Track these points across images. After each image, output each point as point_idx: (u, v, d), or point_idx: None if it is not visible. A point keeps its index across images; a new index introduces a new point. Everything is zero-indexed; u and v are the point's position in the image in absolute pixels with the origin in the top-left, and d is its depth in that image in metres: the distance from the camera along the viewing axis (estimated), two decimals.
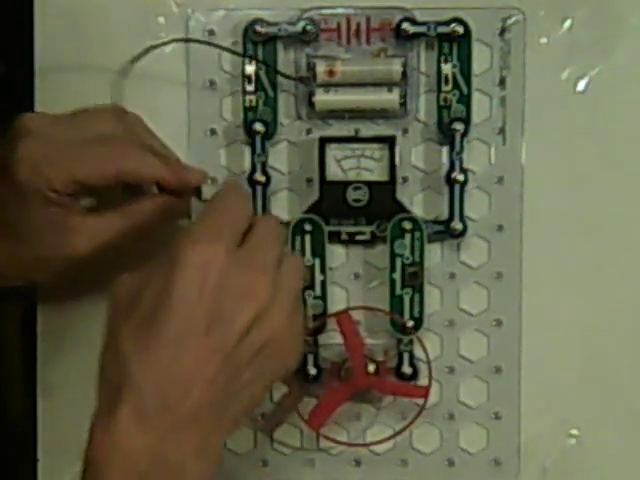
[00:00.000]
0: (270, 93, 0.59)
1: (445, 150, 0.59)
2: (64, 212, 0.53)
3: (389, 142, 0.59)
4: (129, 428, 0.47)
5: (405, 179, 0.59)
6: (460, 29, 0.58)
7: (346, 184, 0.59)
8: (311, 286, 0.58)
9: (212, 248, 0.48)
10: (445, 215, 0.59)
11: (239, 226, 0.51)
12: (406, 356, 0.60)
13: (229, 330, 0.48)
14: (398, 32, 0.58)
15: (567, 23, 0.59)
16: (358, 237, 0.59)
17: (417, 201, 0.60)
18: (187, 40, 0.58)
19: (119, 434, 0.47)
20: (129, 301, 0.49)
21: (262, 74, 0.59)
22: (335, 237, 0.59)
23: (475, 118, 0.59)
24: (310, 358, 0.60)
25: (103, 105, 0.57)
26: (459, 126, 0.58)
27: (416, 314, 0.59)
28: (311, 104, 0.58)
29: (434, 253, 0.60)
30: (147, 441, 0.47)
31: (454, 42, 0.58)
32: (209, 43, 0.58)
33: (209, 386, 0.48)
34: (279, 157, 0.60)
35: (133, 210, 0.55)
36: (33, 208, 0.53)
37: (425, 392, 0.59)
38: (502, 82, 0.59)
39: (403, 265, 0.58)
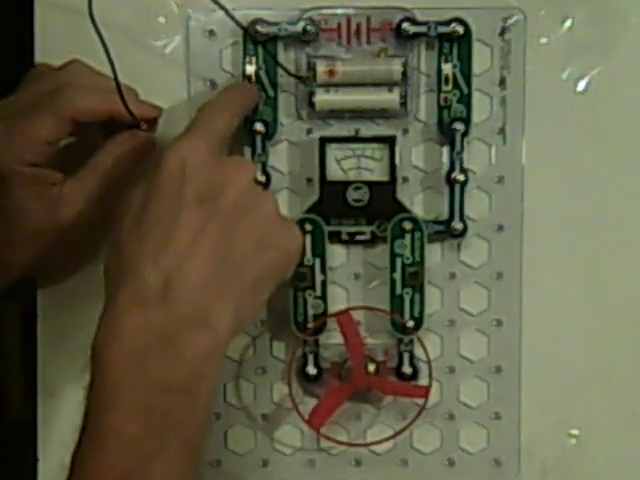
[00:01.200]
0: (270, 93, 0.59)
1: (445, 150, 0.59)
2: (43, 186, 0.54)
3: (389, 142, 0.59)
4: (127, 309, 0.48)
5: (405, 179, 0.59)
6: (460, 29, 0.58)
7: (346, 184, 0.59)
8: (311, 286, 0.58)
9: (192, 141, 0.51)
10: (445, 215, 0.59)
11: (224, 129, 0.53)
12: (406, 356, 0.60)
13: (220, 200, 0.50)
14: (398, 32, 0.58)
15: (567, 23, 0.59)
16: (358, 237, 0.59)
17: (417, 201, 0.60)
18: None
19: (118, 316, 0.48)
20: (126, 204, 0.50)
21: (262, 74, 0.59)
22: (335, 237, 0.59)
23: (475, 118, 0.59)
24: (310, 358, 0.60)
25: (37, 69, 0.57)
26: (459, 126, 0.58)
27: (416, 314, 0.59)
28: (311, 104, 0.58)
29: (434, 253, 0.60)
30: (144, 318, 0.48)
31: (454, 42, 0.58)
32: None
33: (205, 257, 0.49)
34: (279, 157, 0.60)
35: (101, 157, 0.55)
36: (14, 190, 0.53)
37: (425, 392, 0.59)
38: (502, 82, 0.59)
39: (403, 265, 0.58)
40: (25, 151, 0.53)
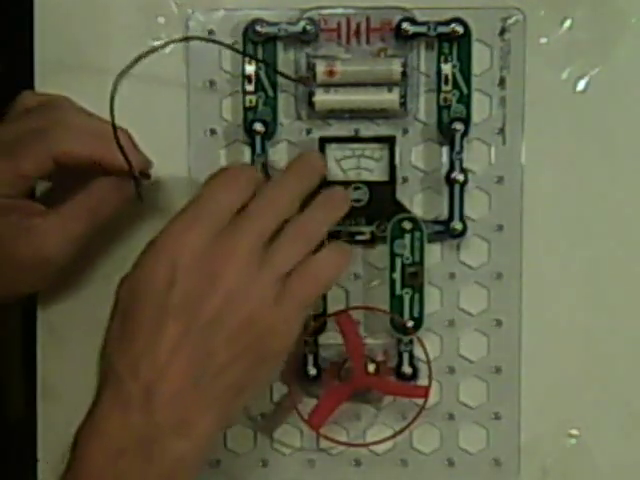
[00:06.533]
0: (270, 93, 0.59)
1: (445, 150, 0.59)
2: (23, 216, 0.54)
3: (389, 142, 0.59)
4: (108, 410, 0.49)
5: (405, 179, 0.59)
6: (460, 29, 0.58)
7: (346, 184, 0.59)
8: None
9: (183, 238, 0.50)
10: (445, 215, 0.59)
11: (224, 209, 0.51)
12: (406, 356, 0.60)
13: (198, 315, 0.50)
14: (398, 32, 0.58)
15: (567, 23, 0.59)
16: (358, 237, 0.59)
17: (417, 201, 0.60)
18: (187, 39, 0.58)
19: (100, 415, 0.49)
20: (116, 300, 0.51)
21: (262, 74, 0.59)
22: (335, 237, 0.59)
23: (475, 118, 0.59)
24: (310, 358, 0.60)
25: (23, 99, 0.57)
26: (459, 126, 0.58)
27: (416, 314, 0.59)
28: (311, 104, 0.58)
29: (434, 253, 0.60)
30: (124, 421, 0.49)
31: (454, 42, 0.58)
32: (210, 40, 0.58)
33: (184, 369, 0.49)
34: (279, 157, 0.60)
35: (87, 198, 0.55)
36: None
37: (425, 392, 0.59)
38: (502, 82, 0.59)
39: (403, 265, 0.58)
40: (1, 184, 0.53)
